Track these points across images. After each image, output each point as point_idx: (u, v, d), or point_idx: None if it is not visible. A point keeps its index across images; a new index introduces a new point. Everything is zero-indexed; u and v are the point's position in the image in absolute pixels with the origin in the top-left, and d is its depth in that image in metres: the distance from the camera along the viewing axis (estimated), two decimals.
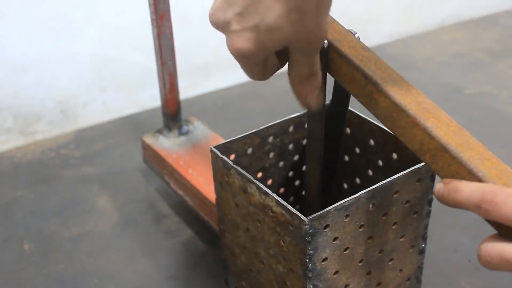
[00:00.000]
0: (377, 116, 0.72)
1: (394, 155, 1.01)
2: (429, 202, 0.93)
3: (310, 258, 0.81)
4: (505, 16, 2.46)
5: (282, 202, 0.81)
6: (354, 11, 2.16)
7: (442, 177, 0.65)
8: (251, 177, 0.87)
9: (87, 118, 1.81)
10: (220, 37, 0.62)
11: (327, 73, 0.78)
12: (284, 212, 0.81)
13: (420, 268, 1.01)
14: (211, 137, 1.43)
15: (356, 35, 0.80)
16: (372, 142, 1.05)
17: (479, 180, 0.61)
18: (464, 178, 0.62)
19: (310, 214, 0.78)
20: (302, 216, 0.78)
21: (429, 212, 0.95)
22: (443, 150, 0.64)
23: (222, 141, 1.01)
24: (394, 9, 2.27)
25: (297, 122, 1.08)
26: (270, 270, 0.93)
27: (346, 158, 1.12)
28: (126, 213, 1.40)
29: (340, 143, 0.96)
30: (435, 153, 0.66)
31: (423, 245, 0.98)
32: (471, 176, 0.61)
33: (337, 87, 0.87)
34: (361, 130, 1.06)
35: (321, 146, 0.87)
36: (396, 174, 0.86)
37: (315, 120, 0.84)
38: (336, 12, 2.37)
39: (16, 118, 1.71)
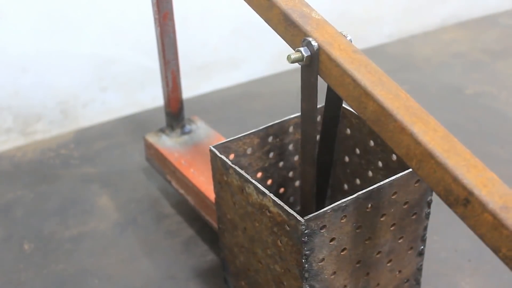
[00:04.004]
0: (366, 120, 0.72)
1: (394, 156, 1.01)
2: (428, 204, 0.93)
3: (306, 259, 0.81)
4: (505, 16, 2.46)
5: (279, 202, 0.81)
6: (354, 11, 2.16)
7: (429, 183, 0.65)
8: (249, 177, 0.87)
9: (87, 118, 1.81)
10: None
11: (319, 76, 0.79)
12: (281, 212, 0.81)
13: (419, 270, 1.01)
14: (214, 136, 1.43)
15: (348, 38, 0.80)
16: (372, 143, 1.05)
17: (463, 187, 0.61)
18: (449, 185, 0.62)
19: (306, 215, 0.78)
20: (298, 217, 0.78)
21: (428, 214, 0.94)
22: (428, 156, 0.64)
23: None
24: (394, 9, 2.27)
25: (297, 122, 1.08)
26: (268, 270, 0.93)
27: (346, 159, 1.12)
28: (126, 213, 1.40)
29: (334, 146, 0.96)
30: (421, 158, 0.65)
31: (422, 247, 0.98)
32: (456, 183, 0.61)
33: (329, 90, 0.88)
34: (361, 131, 1.06)
35: (315, 148, 0.87)
36: (395, 175, 0.86)
37: (308, 122, 0.84)
38: (336, 12, 2.35)
39: (16, 118, 1.71)
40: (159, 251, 1.28)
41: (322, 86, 0.80)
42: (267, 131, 1.05)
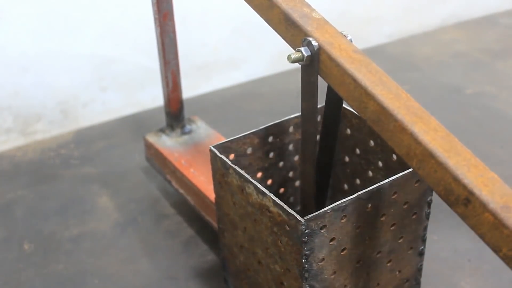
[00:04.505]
0: (366, 120, 0.72)
1: (394, 156, 1.01)
2: (428, 204, 0.93)
3: (306, 259, 0.81)
4: (505, 16, 2.46)
5: (279, 202, 0.81)
6: (354, 11, 2.16)
7: (429, 183, 0.65)
8: (248, 177, 0.87)
9: (87, 118, 1.81)
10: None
11: (319, 76, 0.79)
12: (280, 212, 0.81)
13: (419, 270, 1.01)
14: (214, 136, 1.43)
15: (349, 37, 0.80)
16: (372, 143, 1.05)
17: (463, 187, 0.61)
18: (449, 185, 0.62)
19: (306, 215, 0.78)
20: (298, 217, 0.78)
21: (428, 214, 0.94)
22: (429, 155, 0.64)
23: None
24: (394, 9, 2.27)
25: (297, 122, 1.08)
26: (268, 270, 0.93)
27: (347, 158, 1.12)
28: (126, 213, 1.40)
29: (335, 146, 0.96)
30: (421, 158, 0.65)
31: (422, 247, 0.98)
32: (456, 183, 0.61)
33: (330, 90, 0.88)
34: (361, 131, 1.06)
35: (315, 148, 0.87)
36: (395, 175, 0.86)
37: (308, 121, 0.84)
38: (336, 12, 2.35)
39: (16, 118, 1.71)
40: (159, 251, 1.28)
41: (322, 86, 0.80)
42: (267, 131, 1.05)
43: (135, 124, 1.80)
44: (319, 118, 1.05)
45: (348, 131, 1.09)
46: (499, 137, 1.60)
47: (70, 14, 1.66)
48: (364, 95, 0.71)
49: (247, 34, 1.97)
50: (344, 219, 0.82)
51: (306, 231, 0.78)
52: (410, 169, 0.86)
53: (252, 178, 0.87)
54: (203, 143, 1.40)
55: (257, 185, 0.85)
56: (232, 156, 1.02)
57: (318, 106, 0.87)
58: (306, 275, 0.82)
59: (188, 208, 1.39)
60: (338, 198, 1.06)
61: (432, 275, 1.15)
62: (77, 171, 1.58)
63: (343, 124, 1.09)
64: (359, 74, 0.72)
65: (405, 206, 0.90)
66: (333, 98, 0.89)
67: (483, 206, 0.59)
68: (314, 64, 0.77)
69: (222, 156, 0.93)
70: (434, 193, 0.91)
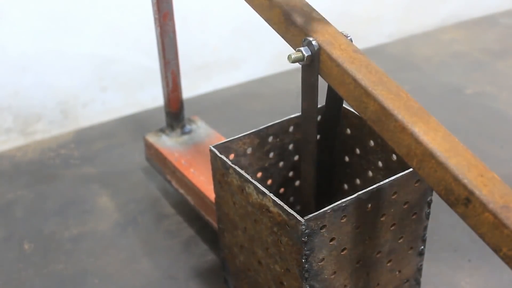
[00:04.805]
0: (367, 120, 0.72)
1: (394, 156, 1.01)
2: (429, 204, 0.93)
3: (306, 259, 0.81)
4: (505, 16, 2.46)
5: (279, 202, 0.81)
6: (354, 11, 2.16)
7: (430, 183, 0.65)
8: (248, 177, 0.87)
9: (87, 118, 1.81)
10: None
11: (320, 76, 0.79)
12: (280, 212, 0.81)
13: (419, 270, 1.01)
14: (214, 136, 1.43)
15: (349, 37, 0.80)
16: (372, 143, 1.05)
17: (463, 187, 0.61)
18: (449, 185, 0.62)
19: (306, 215, 0.78)
20: (298, 217, 0.78)
21: (428, 214, 0.94)
22: (429, 155, 0.64)
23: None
24: (394, 9, 2.27)
25: (297, 122, 1.08)
26: (268, 270, 0.93)
27: (347, 158, 1.12)
28: (126, 213, 1.40)
29: (335, 146, 0.96)
30: (422, 158, 0.65)
31: (422, 247, 0.98)
32: (456, 183, 0.61)
33: (330, 90, 0.88)
34: (361, 131, 1.06)
35: (315, 148, 0.87)
36: (395, 175, 0.86)
37: (308, 121, 0.84)
38: (336, 12, 2.36)
39: (16, 118, 1.71)
40: (159, 251, 1.28)
41: (322, 86, 0.80)
42: (267, 131, 1.05)
43: (135, 124, 1.80)
44: (319, 118, 1.05)
45: (348, 131, 1.09)
46: (499, 137, 1.60)
47: (70, 14, 1.66)
48: (364, 95, 0.71)
49: (247, 34, 1.97)
50: (344, 219, 0.82)
51: (306, 231, 0.78)
52: (410, 169, 0.86)
53: (252, 178, 0.87)
54: (203, 143, 1.40)
55: (257, 185, 0.85)
56: (232, 156, 1.02)
57: (318, 106, 0.87)
58: (306, 275, 0.82)
59: (188, 208, 1.39)
60: (338, 198, 1.06)
61: (432, 275, 1.15)
62: (77, 171, 1.58)
63: (343, 124, 1.09)
64: (359, 74, 0.72)
65: (405, 206, 0.90)
66: (333, 98, 0.89)
67: (483, 206, 0.59)
68: (314, 64, 0.77)
69: (222, 156, 0.93)
70: (434, 193, 0.91)
